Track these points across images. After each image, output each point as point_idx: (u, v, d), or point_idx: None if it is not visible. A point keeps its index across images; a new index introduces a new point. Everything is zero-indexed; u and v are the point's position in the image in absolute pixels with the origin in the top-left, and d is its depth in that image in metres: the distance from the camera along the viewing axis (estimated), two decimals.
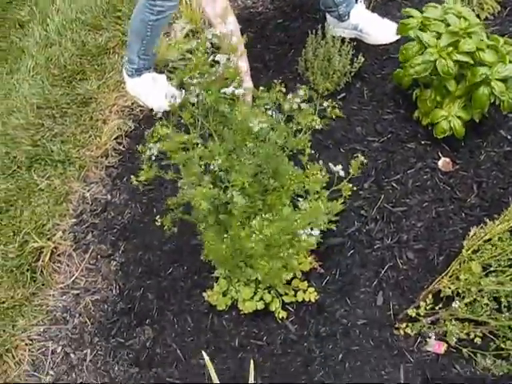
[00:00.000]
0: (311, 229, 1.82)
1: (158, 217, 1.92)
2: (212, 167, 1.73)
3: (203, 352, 1.76)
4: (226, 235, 1.81)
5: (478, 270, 1.80)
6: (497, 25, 2.72)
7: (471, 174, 2.26)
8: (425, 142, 2.35)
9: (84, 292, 2.23)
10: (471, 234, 1.86)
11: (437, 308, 1.88)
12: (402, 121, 2.43)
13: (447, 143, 2.32)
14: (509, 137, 2.36)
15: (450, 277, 1.87)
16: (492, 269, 1.83)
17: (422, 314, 1.88)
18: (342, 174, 1.90)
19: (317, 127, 1.93)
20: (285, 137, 1.87)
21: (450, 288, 1.85)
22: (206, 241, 1.88)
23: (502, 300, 1.81)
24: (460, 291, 1.85)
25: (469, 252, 1.84)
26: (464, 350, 1.84)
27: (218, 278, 2.04)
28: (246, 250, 1.82)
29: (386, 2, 2.91)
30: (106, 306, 2.17)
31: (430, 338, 1.89)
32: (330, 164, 1.93)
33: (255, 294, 1.97)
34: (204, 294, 2.04)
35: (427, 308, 1.88)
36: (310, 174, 1.93)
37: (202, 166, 1.76)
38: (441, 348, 1.88)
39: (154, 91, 2.70)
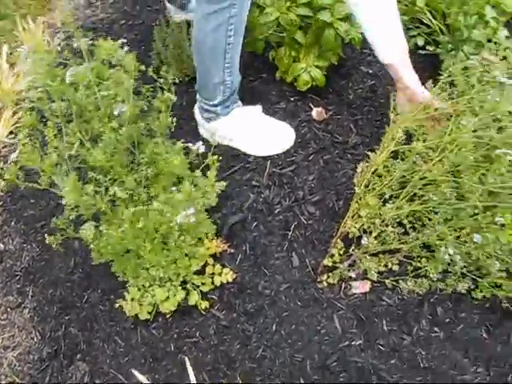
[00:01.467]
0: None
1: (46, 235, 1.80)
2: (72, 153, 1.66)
3: (133, 371, 1.72)
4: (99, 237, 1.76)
5: (374, 202, 1.84)
6: None
7: (346, 116, 2.31)
8: (294, 98, 2.38)
9: (4, 350, 2.11)
10: (359, 170, 1.90)
11: (350, 250, 1.91)
12: (267, 84, 2.45)
13: (315, 93, 2.36)
14: (370, 71, 2.44)
15: (353, 217, 1.90)
16: (387, 196, 1.88)
17: (337, 260, 1.92)
18: (202, 149, 1.82)
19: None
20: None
21: (355, 227, 1.89)
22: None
23: (405, 223, 1.87)
24: (365, 228, 1.89)
25: (362, 188, 1.87)
26: (387, 282, 1.89)
27: None
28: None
29: None
30: (31, 357, 2.06)
31: (352, 280, 1.93)
32: (190, 144, 1.85)
33: (169, 292, 1.93)
34: (116, 305, 1.98)
35: (341, 253, 1.91)
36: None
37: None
38: (365, 287, 1.93)
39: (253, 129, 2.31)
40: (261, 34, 2.17)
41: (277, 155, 2.26)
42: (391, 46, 1.98)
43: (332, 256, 1.92)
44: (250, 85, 2.45)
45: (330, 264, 1.92)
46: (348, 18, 2.16)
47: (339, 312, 1.90)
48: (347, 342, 1.84)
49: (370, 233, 1.88)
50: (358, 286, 1.93)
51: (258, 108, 2.28)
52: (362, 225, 1.88)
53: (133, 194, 1.81)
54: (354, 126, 2.27)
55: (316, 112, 2.32)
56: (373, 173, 1.87)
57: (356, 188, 1.88)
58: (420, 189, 1.82)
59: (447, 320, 1.86)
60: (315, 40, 2.21)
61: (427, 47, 2.36)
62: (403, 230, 1.87)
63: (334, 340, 1.85)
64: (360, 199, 1.88)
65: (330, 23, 2.12)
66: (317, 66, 2.24)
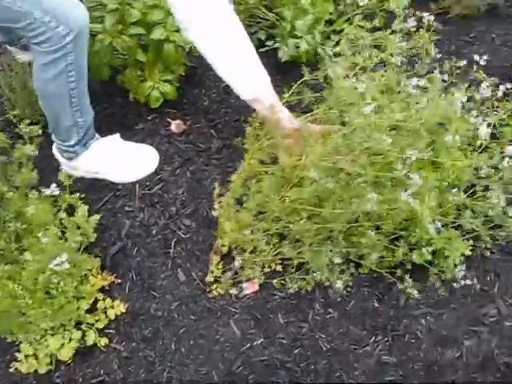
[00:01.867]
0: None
1: None
2: None
3: None
4: None
5: (233, 226, 1.86)
6: None
7: (204, 123, 2.34)
8: (151, 116, 2.39)
9: None
10: (216, 192, 1.90)
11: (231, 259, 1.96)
12: (122, 108, 2.45)
13: (171, 107, 2.38)
14: None
15: (222, 237, 1.94)
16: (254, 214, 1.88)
17: (219, 274, 1.96)
18: (56, 191, 1.84)
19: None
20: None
21: (224, 246, 1.94)
22: None
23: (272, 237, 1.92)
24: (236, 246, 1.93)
25: (221, 211, 1.89)
26: (274, 282, 1.94)
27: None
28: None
29: None
30: None
31: (241, 282, 1.96)
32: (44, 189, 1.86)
33: (64, 338, 1.90)
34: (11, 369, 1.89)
35: (219, 268, 1.96)
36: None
37: None
38: (255, 286, 1.96)
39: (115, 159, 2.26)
40: (99, 61, 2.15)
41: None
42: (249, 81, 1.94)
43: (212, 272, 1.96)
44: (105, 112, 2.43)
45: (212, 280, 1.96)
46: None
47: (235, 316, 1.93)
48: (249, 344, 1.88)
49: (245, 250, 1.91)
50: (248, 287, 1.96)
51: (116, 136, 2.26)
52: (233, 242, 1.92)
53: (3, 253, 1.77)
54: (214, 131, 2.31)
55: (175, 125, 2.34)
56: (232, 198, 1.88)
57: (214, 213, 1.92)
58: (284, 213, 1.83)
59: (339, 299, 1.93)
60: (157, 56, 2.22)
61: (266, 43, 2.40)
62: (277, 240, 1.93)
63: (235, 345, 1.88)
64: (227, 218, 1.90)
65: (167, 37, 2.13)
66: (166, 81, 2.25)
